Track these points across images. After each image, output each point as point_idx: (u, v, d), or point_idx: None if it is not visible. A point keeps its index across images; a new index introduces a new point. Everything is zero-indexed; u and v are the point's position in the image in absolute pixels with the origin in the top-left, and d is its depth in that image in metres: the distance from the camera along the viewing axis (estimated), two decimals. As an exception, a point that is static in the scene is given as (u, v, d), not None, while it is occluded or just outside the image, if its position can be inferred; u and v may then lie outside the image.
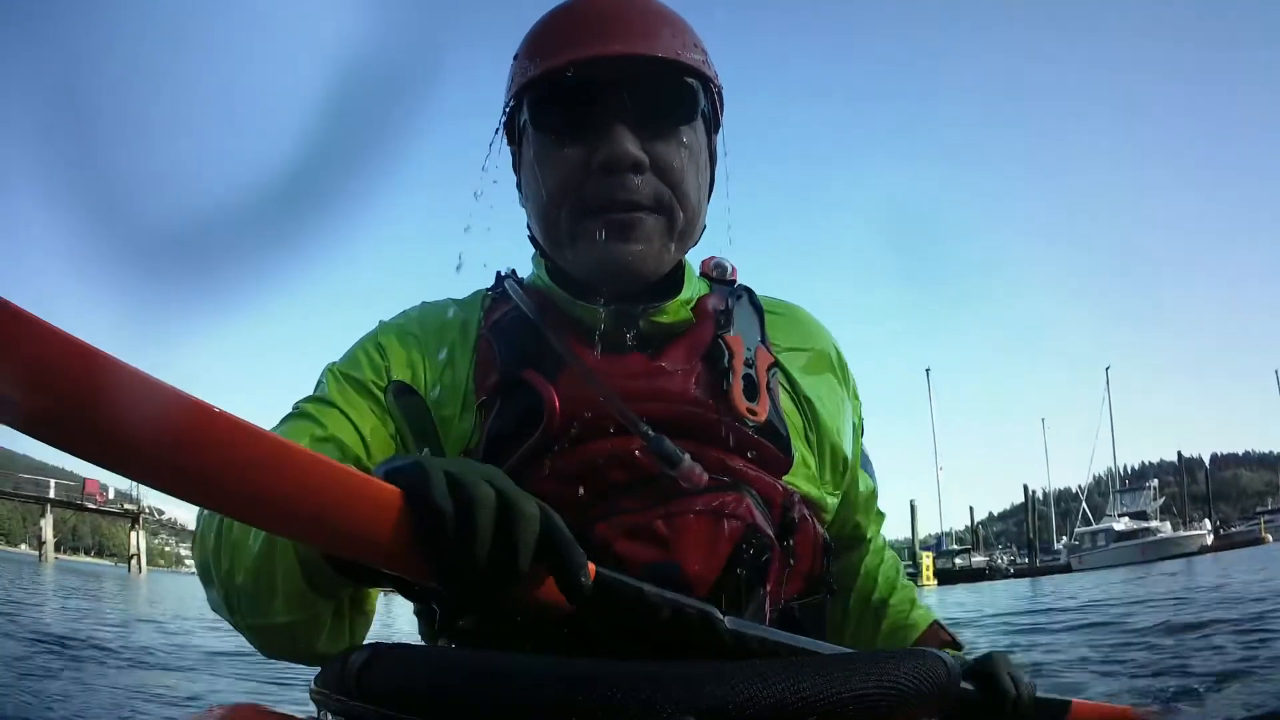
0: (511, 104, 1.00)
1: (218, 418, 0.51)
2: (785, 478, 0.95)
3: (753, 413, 0.94)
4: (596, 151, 0.92)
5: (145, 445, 0.50)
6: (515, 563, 0.59)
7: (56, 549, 48.50)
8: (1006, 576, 40.49)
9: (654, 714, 0.58)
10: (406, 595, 0.73)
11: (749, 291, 1.08)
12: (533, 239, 1.05)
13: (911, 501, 55.30)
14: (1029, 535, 53.45)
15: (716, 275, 1.10)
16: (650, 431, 0.87)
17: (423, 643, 1.00)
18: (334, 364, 1.02)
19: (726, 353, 0.96)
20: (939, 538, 61.36)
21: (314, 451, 0.56)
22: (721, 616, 0.70)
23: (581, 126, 0.93)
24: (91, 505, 51.17)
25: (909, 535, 55.22)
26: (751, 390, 0.95)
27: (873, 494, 1.18)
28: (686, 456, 0.87)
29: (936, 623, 1.15)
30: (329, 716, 0.72)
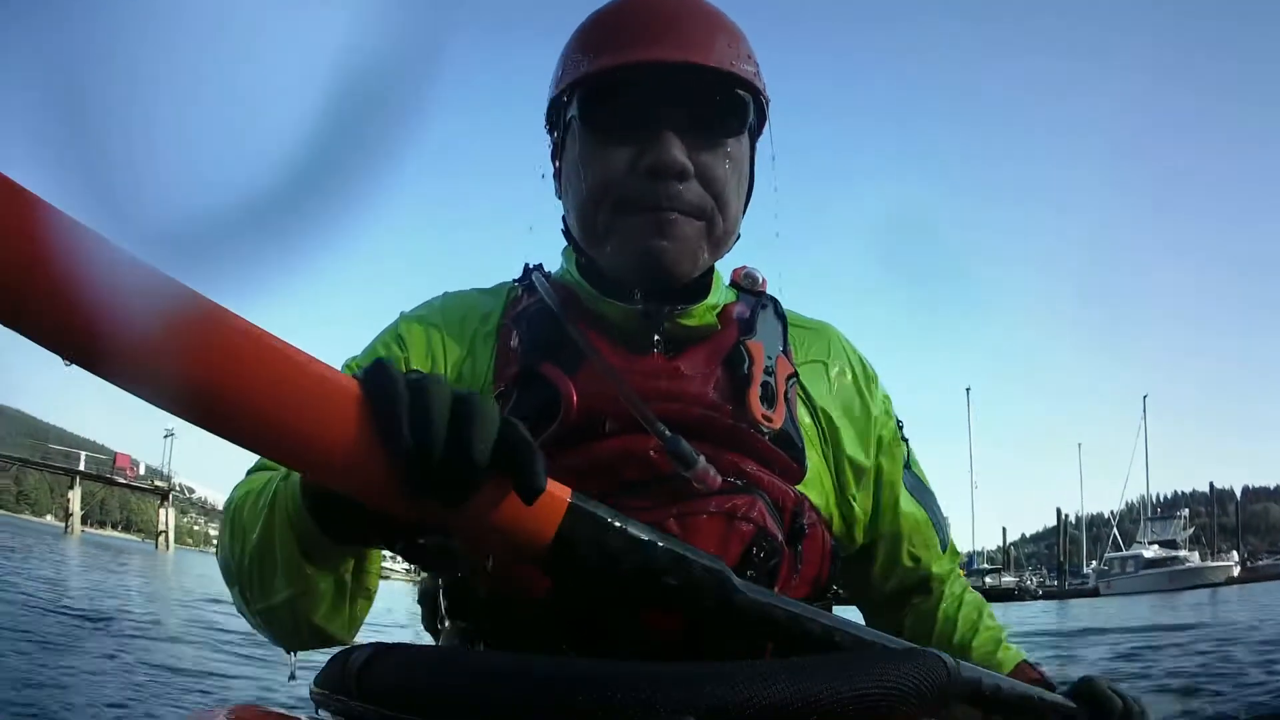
0: (556, 94, 0.99)
1: (180, 292, 0.49)
2: (798, 487, 0.95)
3: (768, 419, 0.93)
4: (644, 155, 0.91)
5: (84, 310, 0.46)
6: (471, 454, 0.56)
7: (84, 522, 49.03)
8: (1035, 598, 40.46)
9: (654, 714, 0.58)
10: (406, 556, 0.70)
11: (775, 302, 1.07)
12: (566, 232, 1.04)
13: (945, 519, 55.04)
14: (1059, 558, 53.52)
15: (746, 285, 1.08)
16: (667, 432, 0.86)
17: (424, 632, 1.03)
18: (353, 358, 1.01)
19: (747, 359, 0.95)
20: (971, 556, 61.23)
21: (278, 339, 0.54)
22: (733, 577, 0.69)
23: (631, 128, 0.92)
24: (121, 480, 51.09)
25: (940, 553, 54.82)
26: (769, 397, 0.94)
27: (927, 524, 1.12)
28: (702, 458, 0.86)
29: (1025, 662, 1.09)
30: (329, 716, 0.73)
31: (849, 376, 1.08)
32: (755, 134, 1.01)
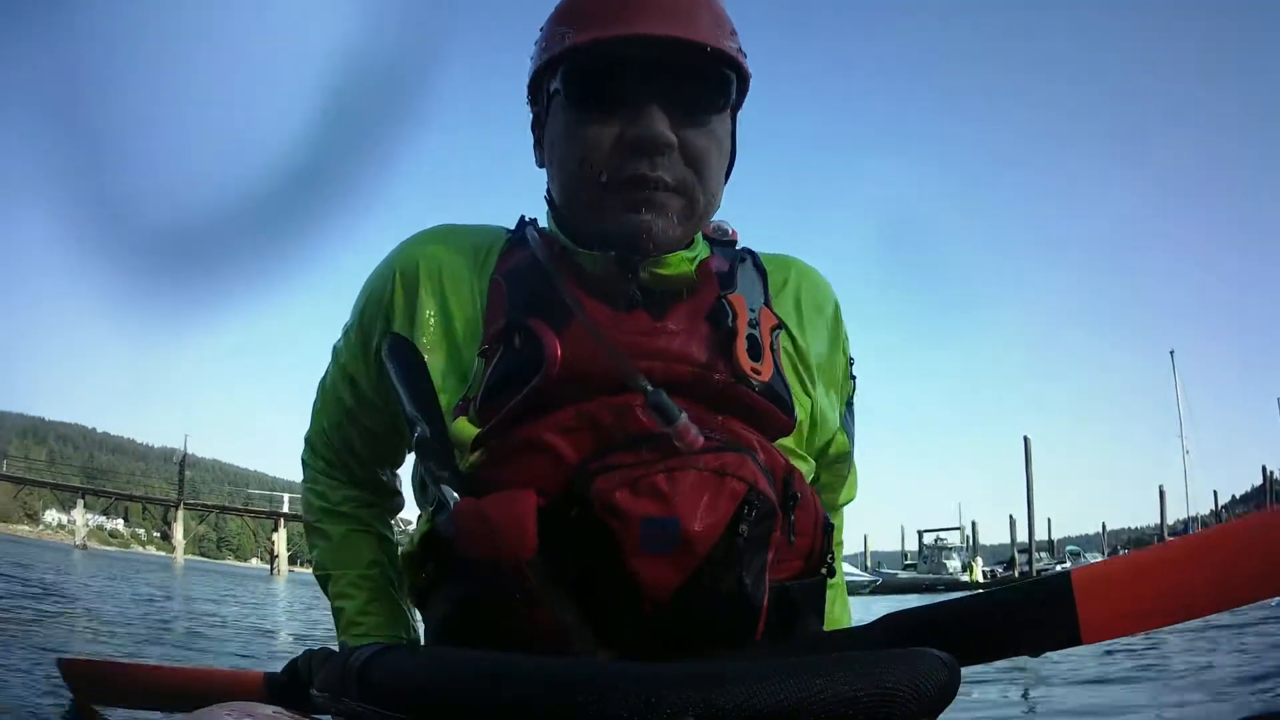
0: (540, 67, 0.99)
1: None
2: (784, 442, 0.98)
3: (756, 372, 0.94)
4: (629, 129, 0.92)
5: None
6: None
7: (291, 562, 51.59)
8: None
9: (654, 714, 0.59)
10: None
11: (752, 254, 1.07)
12: (549, 200, 1.04)
13: (1160, 487, 53.47)
14: (1267, 517, 50.04)
15: (717, 237, 1.08)
16: (649, 386, 0.87)
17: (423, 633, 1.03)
18: (348, 324, 1.12)
19: (730, 313, 0.96)
20: (1185, 523, 58.41)
21: None
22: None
23: (615, 103, 0.93)
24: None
25: (1158, 521, 52.83)
26: (755, 350, 0.95)
27: (849, 457, 1.15)
28: (684, 415, 0.86)
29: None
30: (330, 715, 0.74)
31: (825, 317, 1.10)
32: (736, 108, 1.02)
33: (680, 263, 0.97)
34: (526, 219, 1.08)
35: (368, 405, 1.12)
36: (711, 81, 0.95)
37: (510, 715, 0.61)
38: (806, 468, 1.03)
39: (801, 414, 1.01)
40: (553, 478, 0.86)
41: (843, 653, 0.67)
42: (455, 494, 0.88)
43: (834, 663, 0.65)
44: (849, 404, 1.13)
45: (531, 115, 1.06)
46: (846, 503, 1.22)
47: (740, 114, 1.04)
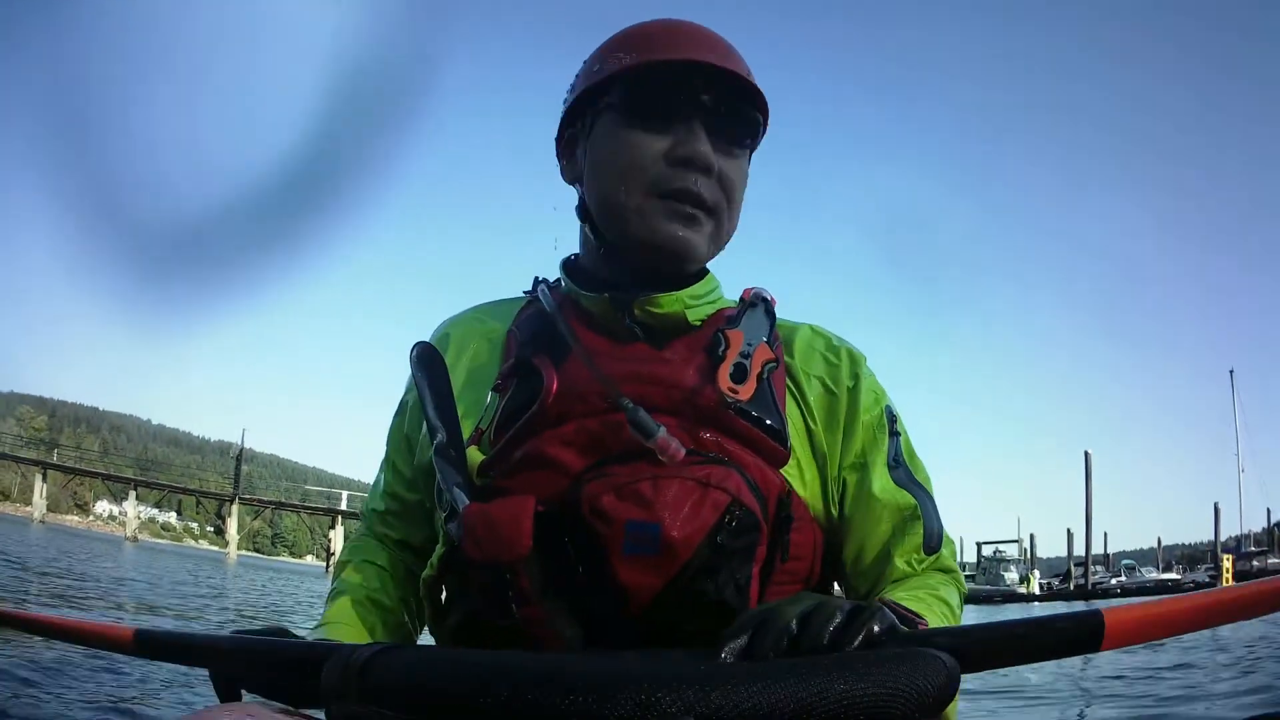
0: (585, 89, 1.05)
1: None
2: (786, 473, 0.98)
3: (734, 391, 0.96)
4: (678, 146, 0.99)
5: None
6: None
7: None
8: (1307, 574, 37.33)
9: (653, 714, 0.59)
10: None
11: (766, 303, 1.10)
12: (583, 212, 1.09)
13: (1215, 504, 52.54)
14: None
15: (754, 300, 1.10)
16: (629, 403, 0.91)
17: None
18: (395, 413, 1.20)
19: (723, 343, 1.00)
20: (1239, 539, 57.55)
21: None
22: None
23: (667, 119, 1.00)
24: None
25: (1211, 538, 52.10)
26: (740, 375, 0.98)
27: (912, 514, 1.04)
28: (663, 429, 0.89)
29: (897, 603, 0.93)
30: (330, 715, 0.74)
31: (837, 367, 1.10)
32: (753, 151, 1.09)
33: (672, 303, 1.02)
34: (539, 279, 1.16)
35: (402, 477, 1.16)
36: (747, 118, 1.04)
37: (510, 715, 0.61)
38: (814, 501, 1.03)
39: (805, 457, 1.03)
40: (555, 487, 0.91)
41: (841, 654, 0.68)
42: (465, 498, 0.92)
43: (834, 663, 0.65)
44: (897, 460, 1.07)
45: (563, 139, 1.11)
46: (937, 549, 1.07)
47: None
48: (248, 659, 0.85)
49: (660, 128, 1.00)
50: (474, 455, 0.98)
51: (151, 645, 0.96)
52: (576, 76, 1.10)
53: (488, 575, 0.90)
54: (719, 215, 1.03)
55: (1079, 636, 0.72)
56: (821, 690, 0.61)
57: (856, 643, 0.68)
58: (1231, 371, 59.49)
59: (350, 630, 1.03)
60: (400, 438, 1.16)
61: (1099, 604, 0.79)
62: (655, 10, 1.14)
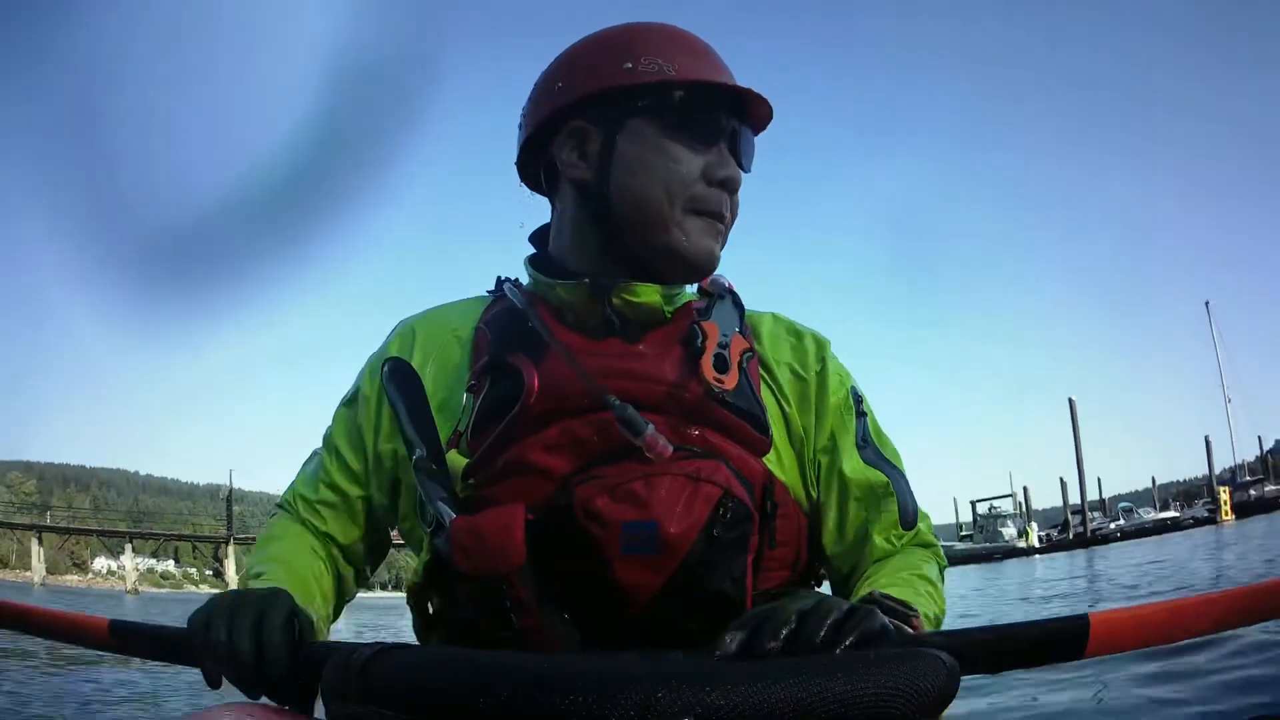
0: (624, 86, 1.04)
1: None
2: (767, 461, 1.00)
3: (719, 382, 0.98)
4: (718, 167, 1.04)
5: None
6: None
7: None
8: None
9: (653, 714, 0.59)
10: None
11: (732, 293, 1.12)
12: (581, 199, 1.08)
13: (1206, 437, 53.20)
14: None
15: (714, 290, 1.12)
16: (616, 400, 0.92)
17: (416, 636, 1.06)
18: (341, 401, 1.17)
19: (700, 335, 1.02)
20: (1233, 470, 58.05)
21: None
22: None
23: (705, 140, 1.04)
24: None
25: (1205, 472, 52.54)
26: (722, 365, 1.00)
27: (885, 491, 1.07)
28: (651, 426, 0.90)
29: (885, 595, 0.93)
30: (330, 715, 0.75)
31: (803, 352, 1.12)
32: None
33: (649, 293, 1.03)
34: (503, 278, 1.16)
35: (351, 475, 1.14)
36: (754, 141, 1.10)
37: (510, 715, 0.61)
38: (795, 486, 1.05)
39: (784, 443, 1.05)
40: (541, 493, 0.91)
41: (840, 654, 0.69)
42: (451, 512, 0.92)
43: (833, 662, 0.66)
44: (865, 440, 1.09)
45: (577, 128, 1.07)
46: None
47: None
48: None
49: (700, 146, 1.04)
50: (455, 459, 0.98)
51: (127, 637, 0.97)
52: (570, 68, 1.09)
53: (481, 588, 0.89)
54: (728, 228, 1.09)
55: (1062, 641, 0.77)
56: (821, 690, 0.61)
57: (850, 640, 0.70)
58: (1207, 303, 60.29)
59: (289, 565, 1.05)
60: (351, 427, 1.14)
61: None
62: (655, 9, 1.17)
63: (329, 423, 1.17)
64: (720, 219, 1.06)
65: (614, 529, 0.87)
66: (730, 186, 1.05)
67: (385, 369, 1.06)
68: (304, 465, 1.19)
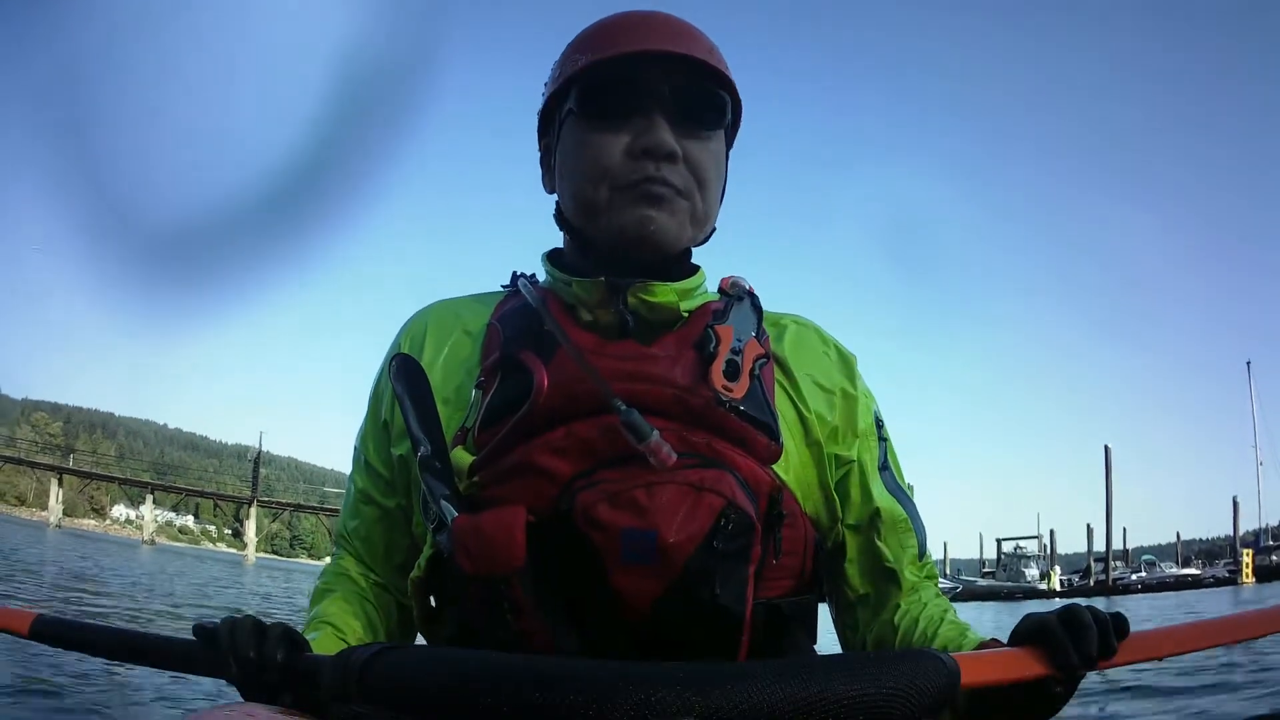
0: (551, 95, 1.07)
1: None
2: (776, 469, 0.97)
3: (728, 390, 0.95)
4: (639, 138, 0.99)
5: None
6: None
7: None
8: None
9: (653, 714, 0.59)
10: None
11: (752, 296, 1.10)
12: (559, 218, 1.09)
13: (1234, 498, 52.54)
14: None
15: (733, 292, 1.09)
16: (622, 405, 0.89)
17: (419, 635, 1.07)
18: (360, 428, 1.16)
19: (714, 339, 0.99)
20: (1258, 533, 57.30)
21: None
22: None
23: (625, 115, 1.00)
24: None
25: (1230, 532, 51.92)
26: (733, 372, 0.97)
27: (905, 523, 1.09)
28: (656, 433, 0.88)
29: (992, 640, 0.95)
30: (330, 715, 0.74)
31: (830, 364, 1.11)
32: (730, 136, 1.10)
33: (666, 293, 1.01)
34: (518, 273, 1.15)
35: (379, 480, 1.13)
36: (710, 99, 1.03)
37: (511, 715, 0.61)
38: (806, 495, 1.04)
39: (799, 450, 1.03)
40: (545, 495, 0.90)
41: (840, 654, 0.68)
42: (454, 510, 0.91)
43: (834, 663, 0.65)
44: (885, 465, 1.11)
45: (541, 149, 1.12)
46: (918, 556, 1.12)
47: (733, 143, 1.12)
48: (131, 649, 0.90)
49: (619, 125, 1.00)
50: (461, 456, 0.96)
51: (50, 633, 0.97)
52: (544, 84, 1.11)
53: (481, 588, 0.89)
54: (690, 197, 1.02)
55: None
56: (821, 690, 0.61)
57: None
58: (1249, 363, 59.58)
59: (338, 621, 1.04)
60: (375, 433, 1.13)
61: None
62: (655, 7, 1.11)
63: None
64: (649, 185, 0.99)
65: (614, 536, 0.86)
66: (655, 153, 0.98)
67: (393, 365, 1.04)
68: (348, 483, 1.19)
